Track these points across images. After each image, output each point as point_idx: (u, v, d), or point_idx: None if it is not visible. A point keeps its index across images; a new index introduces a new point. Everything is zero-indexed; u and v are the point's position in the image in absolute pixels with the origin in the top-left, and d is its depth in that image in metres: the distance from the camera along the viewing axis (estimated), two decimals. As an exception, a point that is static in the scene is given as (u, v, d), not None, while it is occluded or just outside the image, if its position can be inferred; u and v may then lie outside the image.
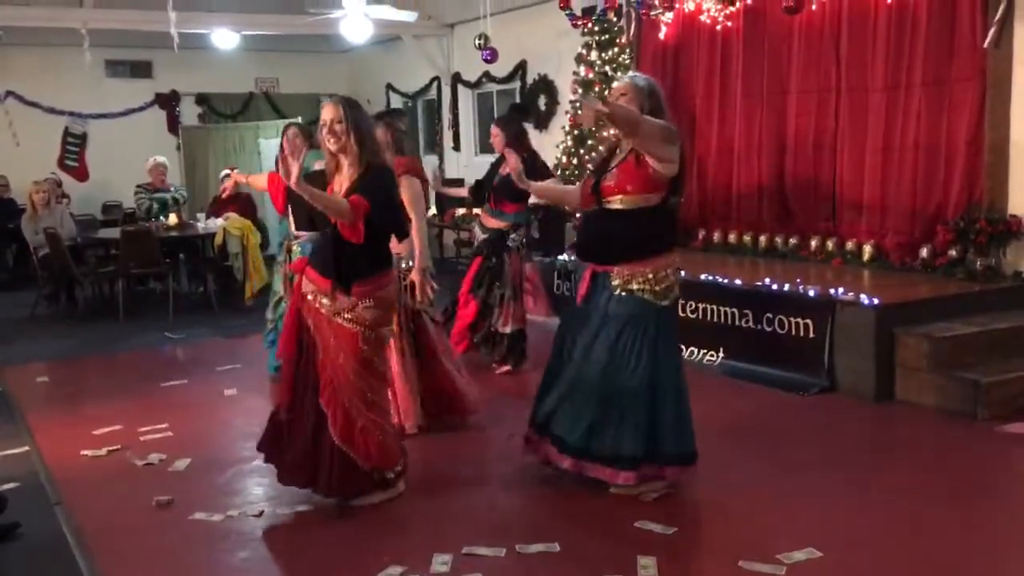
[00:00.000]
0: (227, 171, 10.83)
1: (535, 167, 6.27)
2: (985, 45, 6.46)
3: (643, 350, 4.16)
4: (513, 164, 4.91)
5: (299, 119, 13.26)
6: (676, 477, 4.31)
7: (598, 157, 4.69)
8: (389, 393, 4.52)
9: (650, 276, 4.16)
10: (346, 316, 4.08)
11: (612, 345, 4.17)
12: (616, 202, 4.20)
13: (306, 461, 4.18)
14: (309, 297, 4.17)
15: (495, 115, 12.02)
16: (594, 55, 8.82)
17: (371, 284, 4.10)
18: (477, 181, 7.02)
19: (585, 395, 4.22)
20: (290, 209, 6.13)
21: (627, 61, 8.71)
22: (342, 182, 4.15)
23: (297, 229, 6.10)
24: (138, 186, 10.56)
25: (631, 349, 4.16)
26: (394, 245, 5.23)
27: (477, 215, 7.31)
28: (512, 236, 6.55)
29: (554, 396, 4.36)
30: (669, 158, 4.10)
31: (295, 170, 3.84)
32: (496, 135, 6.54)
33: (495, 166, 6.71)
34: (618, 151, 4.35)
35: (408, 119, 6.20)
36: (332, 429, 4.08)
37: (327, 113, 4.11)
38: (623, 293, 4.17)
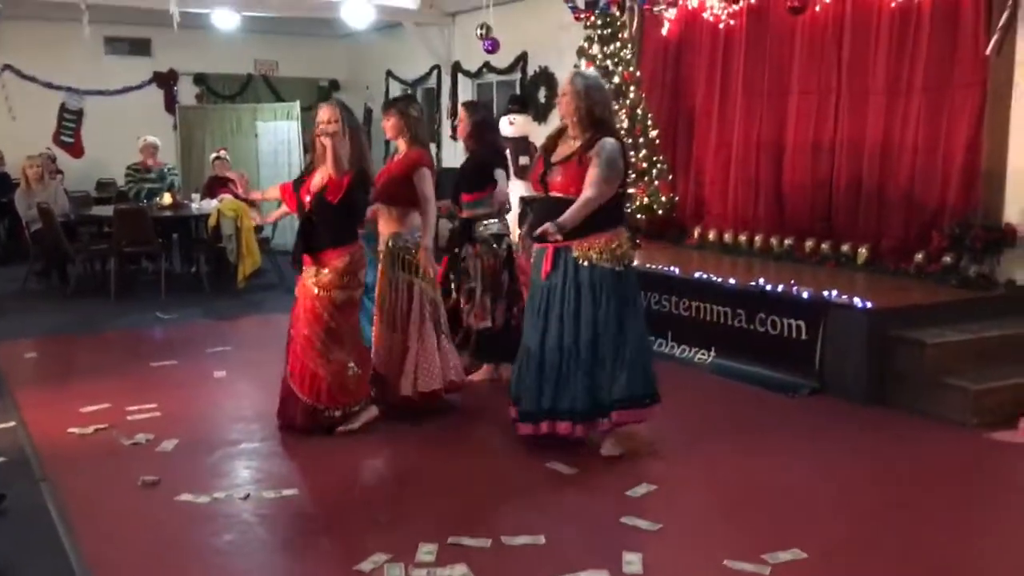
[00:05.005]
0: (216, 153, 10.80)
1: (476, 166, 5.97)
2: (987, 52, 6.46)
3: (611, 307, 4.63)
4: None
5: (297, 103, 13.33)
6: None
7: (547, 140, 4.79)
8: (350, 346, 5.04)
9: (608, 246, 4.62)
10: (311, 280, 4.96)
11: (592, 309, 4.63)
12: (561, 194, 4.66)
13: (285, 403, 5.10)
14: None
15: (495, 105, 12.02)
16: (596, 49, 8.77)
17: (330, 255, 4.90)
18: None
19: (583, 359, 4.64)
20: None
21: (629, 56, 8.68)
22: (323, 174, 4.86)
23: None
24: (128, 167, 10.51)
25: (606, 309, 4.63)
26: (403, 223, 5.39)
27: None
28: (479, 226, 5.93)
29: (551, 371, 4.70)
30: (612, 188, 4.57)
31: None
32: (462, 119, 6.17)
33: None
34: (561, 140, 4.74)
35: (420, 105, 6.12)
36: (291, 377, 5.03)
37: (324, 114, 4.82)
38: (585, 263, 4.62)
